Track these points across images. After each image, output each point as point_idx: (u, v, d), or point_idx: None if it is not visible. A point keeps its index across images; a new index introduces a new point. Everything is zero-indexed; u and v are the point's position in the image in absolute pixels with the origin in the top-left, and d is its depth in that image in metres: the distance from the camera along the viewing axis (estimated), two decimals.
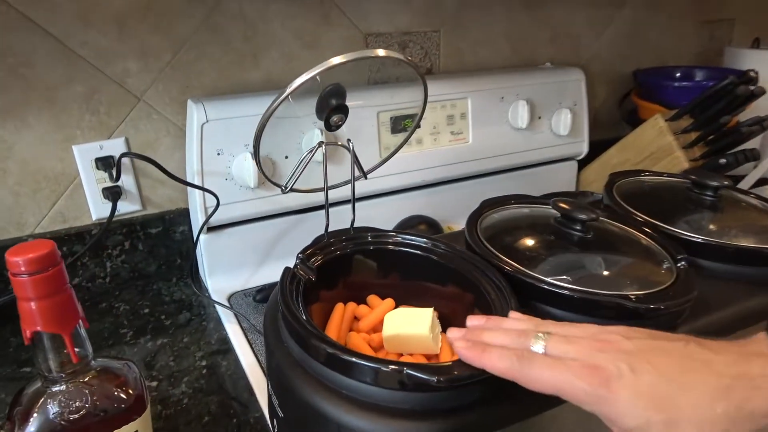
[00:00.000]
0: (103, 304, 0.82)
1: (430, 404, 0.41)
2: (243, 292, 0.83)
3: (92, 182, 0.80)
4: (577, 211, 0.59)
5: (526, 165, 1.05)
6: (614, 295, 0.50)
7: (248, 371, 0.67)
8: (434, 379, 0.39)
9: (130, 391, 0.47)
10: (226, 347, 0.73)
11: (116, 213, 0.83)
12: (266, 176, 0.60)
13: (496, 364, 0.39)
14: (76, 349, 0.43)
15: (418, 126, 0.65)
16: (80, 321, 0.44)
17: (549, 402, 0.44)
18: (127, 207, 0.84)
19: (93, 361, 0.47)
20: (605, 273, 0.55)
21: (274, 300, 0.53)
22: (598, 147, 1.11)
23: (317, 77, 0.51)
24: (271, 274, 0.86)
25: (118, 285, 0.86)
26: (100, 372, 0.47)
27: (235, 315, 0.77)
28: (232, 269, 0.85)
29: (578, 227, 0.59)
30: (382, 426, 0.41)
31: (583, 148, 1.09)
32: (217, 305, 0.79)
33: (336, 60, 0.51)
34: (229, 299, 0.82)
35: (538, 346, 0.39)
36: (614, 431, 0.35)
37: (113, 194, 0.80)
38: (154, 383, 0.66)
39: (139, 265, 0.87)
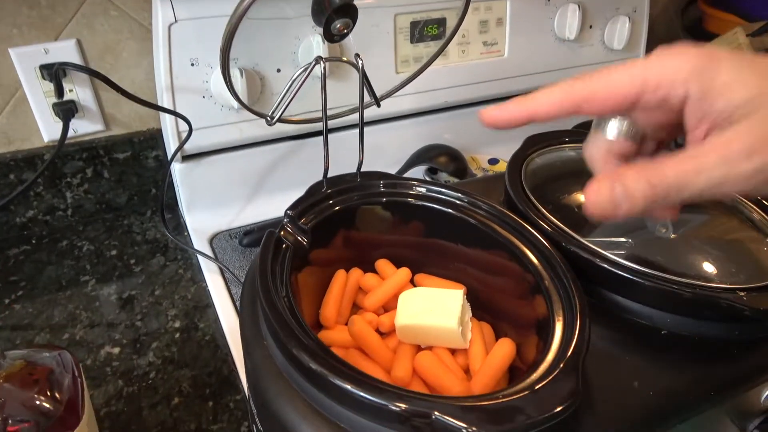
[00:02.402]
0: (64, 242, 0.70)
1: None
2: (228, 232, 0.70)
3: (39, 95, 0.65)
4: None
5: None
6: (717, 290, 0.36)
7: (230, 338, 0.56)
8: (474, 429, 0.26)
9: (59, 396, 0.36)
10: (205, 303, 0.61)
11: (74, 134, 0.68)
12: (242, 103, 0.45)
13: (549, 97, 0.29)
14: None
15: (454, 33, 0.48)
16: None
17: None
18: (86, 127, 0.69)
19: (2, 359, 0.34)
20: (697, 254, 0.41)
21: (253, 276, 0.40)
22: None
23: None
24: (261, 211, 0.72)
25: (82, 218, 0.73)
26: (16, 372, 0.35)
27: (220, 268, 0.64)
28: (215, 205, 0.72)
29: None
30: None
31: None
32: (198, 255, 0.66)
33: None
34: (211, 241, 0.69)
35: None
36: (710, 123, 0.26)
37: (65, 111, 0.65)
38: (116, 349, 0.55)
39: (106, 195, 0.73)
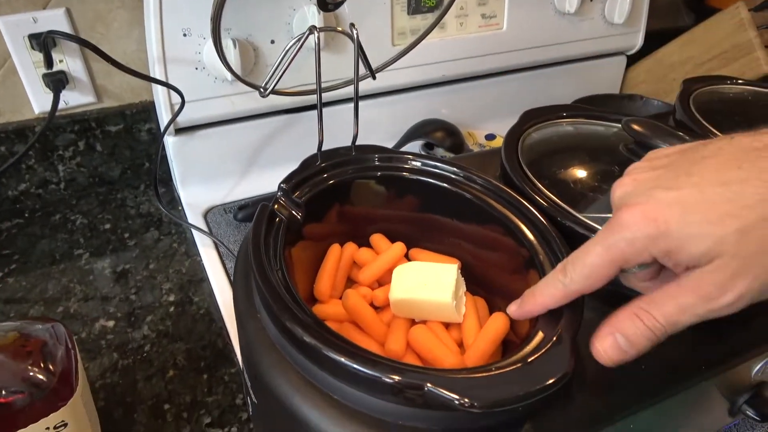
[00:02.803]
0: (57, 216, 0.69)
1: (456, 424, 0.30)
2: (222, 207, 0.70)
3: (29, 66, 0.63)
4: (658, 137, 0.43)
5: (566, 60, 0.87)
6: None
7: (224, 311, 0.56)
8: (467, 401, 0.26)
9: (52, 368, 0.36)
10: (200, 277, 0.61)
11: (65, 106, 0.67)
12: (235, 74, 0.44)
13: (545, 300, 0.32)
14: None
15: (451, 4, 0.47)
16: None
17: (609, 410, 0.32)
18: (77, 99, 0.68)
19: None
20: None
21: (246, 249, 0.40)
22: (649, 40, 0.92)
23: None
24: (256, 186, 0.72)
25: (75, 192, 0.72)
26: (9, 343, 0.35)
27: (214, 242, 0.64)
28: (210, 180, 0.71)
29: None
30: None
31: (638, 41, 0.89)
32: (193, 229, 0.66)
33: None
34: (205, 216, 0.69)
35: None
36: (684, 267, 0.27)
37: (55, 83, 0.64)
38: (111, 323, 0.55)
39: (99, 169, 0.73)
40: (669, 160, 0.30)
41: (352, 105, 0.45)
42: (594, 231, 0.39)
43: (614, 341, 0.28)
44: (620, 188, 0.31)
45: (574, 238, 0.39)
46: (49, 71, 0.63)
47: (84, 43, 0.54)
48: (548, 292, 0.32)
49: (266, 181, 0.72)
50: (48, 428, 0.34)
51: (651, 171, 0.30)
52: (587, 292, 0.30)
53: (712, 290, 0.26)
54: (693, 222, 0.26)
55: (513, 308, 0.35)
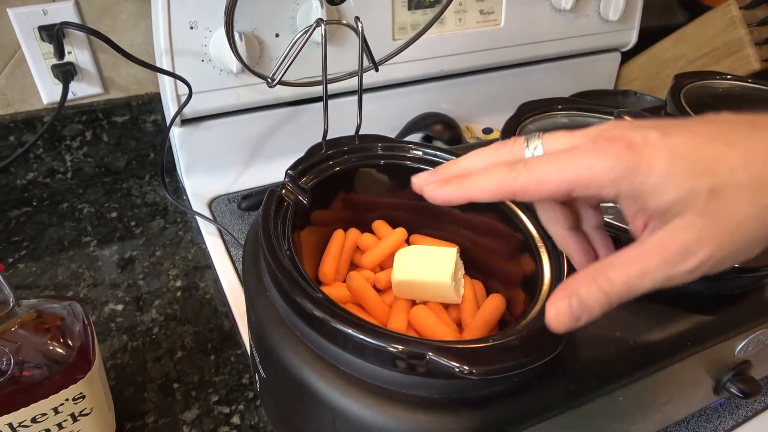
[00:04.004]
0: (64, 205, 0.71)
1: (457, 392, 0.32)
2: (227, 196, 0.72)
3: (38, 57, 0.65)
4: None
5: (561, 56, 0.89)
6: None
7: (230, 296, 0.58)
8: (466, 369, 0.28)
9: (71, 343, 0.37)
10: (205, 263, 0.63)
11: (73, 97, 0.69)
12: (245, 64, 0.46)
13: (486, 185, 0.28)
14: None
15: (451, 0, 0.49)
16: None
17: (600, 382, 0.34)
18: (85, 90, 0.69)
19: (17, 307, 0.36)
20: None
21: (255, 232, 0.41)
22: (643, 37, 0.94)
23: None
24: (260, 176, 0.74)
25: (81, 182, 0.74)
26: (29, 320, 0.37)
27: (219, 230, 0.66)
28: (214, 170, 0.73)
29: None
30: (392, 418, 0.31)
31: (632, 37, 0.91)
32: (198, 217, 0.68)
33: None
34: (210, 205, 0.70)
35: (535, 148, 0.29)
36: (646, 216, 0.26)
37: (64, 74, 0.65)
38: (120, 306, 0.56)
39: (105, 159, 0.74)
40: (654, 120, 0.28)
41: (354, 98, 0.47)
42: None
43: (568, 305, 0.26)
44: (604, 124, 0.28)
45: None
46: (59, 62, 0.65)
47: (96, 34, 0.56)
48: (486, 179, 0.28)
49: (270, 172, 0.73)
50: (67, 399, 0.36)
51: (638, 122, 0.27)
52: (526, 198, 0.27)
53: (675, 253, 0.25)
54: (677, 169, 0.25)
55: (430, 188, 0.30)
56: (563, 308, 0.27)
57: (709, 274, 0.25)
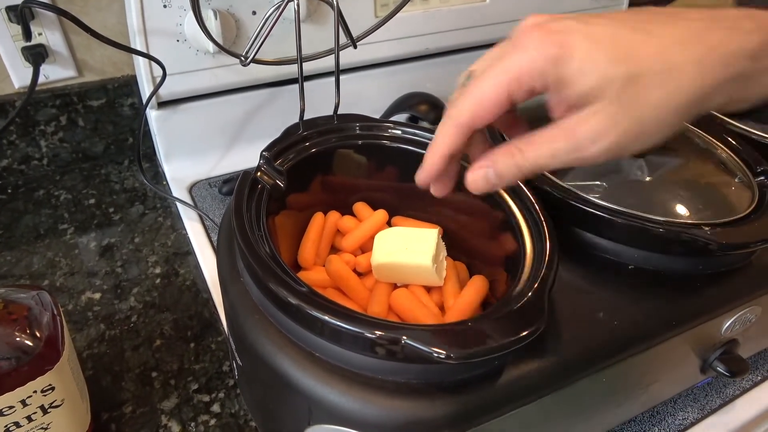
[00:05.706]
0: (41, 192, 0.69)
1: (435, 378, 0.31)
2: (207, 181, 0.70)
3: (6, 39, 0.62)
4: None
5: None
6: (684, 225, 0.37)
7: (210, 283, 0.56)
8: (443, 353, 0.27)
9: (38, 334, 0.36)
10: (185, 250, 0.61)
11: (45, 80, 0.66)
12: (216, 42, 0.44)
13: (443, 141, 0.31)
14: None
15: None
16: None
17: (582, 364, 0.34)
18: (58, 73, 0.67)
19: None
20: (667, 194, 0.42)
21: (229, 216, 0.40)
22: None
23: None
24: (241, 160, 0.72)
25: (58, 168, 0.72)
26: None
27: (199, 216, 0.64)
28: (194, 154, 0.71)
29: None
30: (368, 405, 0.30)
31: None
32: (178, 203, 0.66)
33: None
34: (190, 190, 0.69)
35: (468, 78, 0.30)
36: (568, 105, 0.27)
37: (34, 56, 0.63)
38: (97, 295, 0.55)
39: (82, 144, 0.72)
40: (574, 14, 0.29)
41: (333, 78, 0.46)
42: (572, 195, 0.40)
43: (485, 174, 0.30)
44: (522, 22, 0.29)
45: (551, 203, 0.40)
46: (28, 44, 0.62)
47: (62, 13, 0.54)
48: (440, 138, 0.31)
49: (251, 155, 0.71)
50: (35, 391, 0.35)
51: (558, 15, 0.28)
52: (478, 125, 0.29)
53: (584, 138, 0.26)
54: (595, 57, 0.26)
55: (420, 176, 0.33)
56: (481, 176, 0.30)
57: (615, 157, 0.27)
